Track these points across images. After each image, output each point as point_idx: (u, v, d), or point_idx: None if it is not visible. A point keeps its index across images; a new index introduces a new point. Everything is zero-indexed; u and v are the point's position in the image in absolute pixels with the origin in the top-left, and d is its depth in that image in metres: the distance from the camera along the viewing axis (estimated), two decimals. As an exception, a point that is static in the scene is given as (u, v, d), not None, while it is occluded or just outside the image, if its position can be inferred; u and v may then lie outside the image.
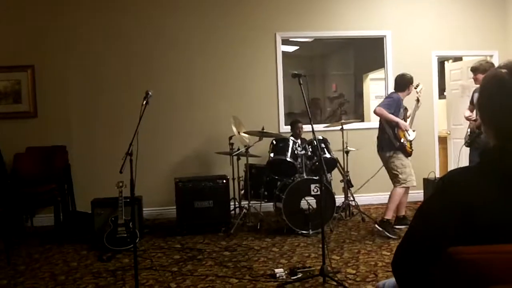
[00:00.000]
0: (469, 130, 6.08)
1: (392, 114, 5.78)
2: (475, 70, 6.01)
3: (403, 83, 5.95)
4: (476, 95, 6.02)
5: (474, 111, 6.05)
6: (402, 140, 5.77)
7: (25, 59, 6.91)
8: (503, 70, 1.54)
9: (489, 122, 1.61)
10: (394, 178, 5.87)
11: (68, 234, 6.08)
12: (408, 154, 5.84)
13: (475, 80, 6.04)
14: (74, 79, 7.04)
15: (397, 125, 5.76)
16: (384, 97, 6.19)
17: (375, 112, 5.88)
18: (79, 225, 6.21)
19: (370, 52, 9.38)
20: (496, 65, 7.65)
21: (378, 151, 6.02)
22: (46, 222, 6.70)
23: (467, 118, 6.05)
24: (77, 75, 7.05)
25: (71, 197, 6.75)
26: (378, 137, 6.04)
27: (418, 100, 6.03)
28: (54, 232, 6.10)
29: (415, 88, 6.04)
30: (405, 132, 5.81)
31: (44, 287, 4.35)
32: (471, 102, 6.15)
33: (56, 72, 6.98)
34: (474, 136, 5.95)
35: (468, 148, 6.12)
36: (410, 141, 5.88)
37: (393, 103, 5.84)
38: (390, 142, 5.82)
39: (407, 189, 5.94)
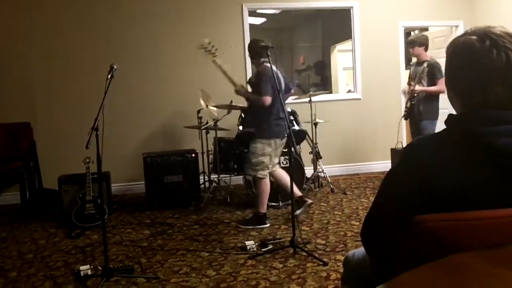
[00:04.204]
0: (409, 103, 6.21)
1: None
2: (412, 42, 6.21)
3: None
4: (413, 68, 6.24)
5: (414, 83, 6.16)
6: None
7: (-17, 33, 6.70)
8: (473, 37, 1.53)
9: (457, 90, 1.61)
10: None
11: (35, 212, 6.00)
12: None
13: (412, 53, 6.25)
14: (36, 54, 6.83)
15: None
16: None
17: (290, 95, 5.72)
18: (46, 202, 6.12)
19: (337, 24, 9.38)
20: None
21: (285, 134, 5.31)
22: (12, 200, 6.57)
23: (410, 93, 6.15)
24: (39, 49, 6.84)
25: (38, 174, 6.62)
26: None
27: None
28: (21, 210, 6.00)
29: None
30: None
31: (11, 266, 4.29)
32: (411, 77, 6.24)
33: (17, 46, 6.77)
34: (409, 107, 6.15)
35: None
36: None
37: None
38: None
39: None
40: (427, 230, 1.33)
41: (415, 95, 6.05)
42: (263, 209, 5.23)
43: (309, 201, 5.52)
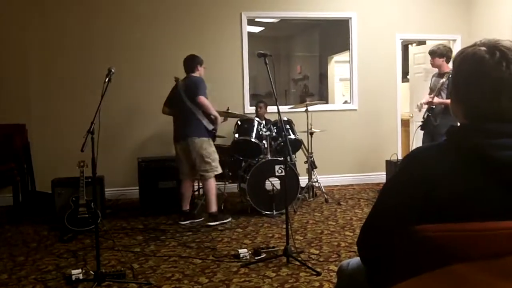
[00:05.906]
0: (426, 114, 6.15)
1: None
2: (432, 53, 6.07)
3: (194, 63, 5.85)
4: (434, 79, 6.14)
5: (433, 95, 6.11)
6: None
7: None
8: (482, 49, 1.53)
9: (461, 100, 1.60)
10: (207, 165, 5.55)
11: (28, 215, 5.96)
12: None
13: (432, 64, 6.10)
14: (33, 55, 6.82)
15: (215, 118, 5.65)
16: (197, 82, 5.70)
17: (199, 101, 5.56)
18: (39, 205, 6.08)
19: (335, 34, 9.40)
20: (456, 49, 7.84)
21: (182, 138, 5.62)
22: (4, 202, 6.50)
23: (427, 104, 6.10)
24: (36, 50, 6.83)
25: (31, 176, 6.58)
26: (183, 122, 5.64)
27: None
28: (13, 212, 5.95)
29: None
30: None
31: (2, 268, 4.25)
32: (432, 88, 6.16)
33: (13, 46, 6.74)
34: (426, 119, 6.05)
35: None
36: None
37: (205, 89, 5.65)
38: (204, 126, 5.60)
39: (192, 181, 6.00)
40: (428, 240, 1.32)
41: (433, 107, 5.96)
42: (184, 206, 5.74)
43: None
